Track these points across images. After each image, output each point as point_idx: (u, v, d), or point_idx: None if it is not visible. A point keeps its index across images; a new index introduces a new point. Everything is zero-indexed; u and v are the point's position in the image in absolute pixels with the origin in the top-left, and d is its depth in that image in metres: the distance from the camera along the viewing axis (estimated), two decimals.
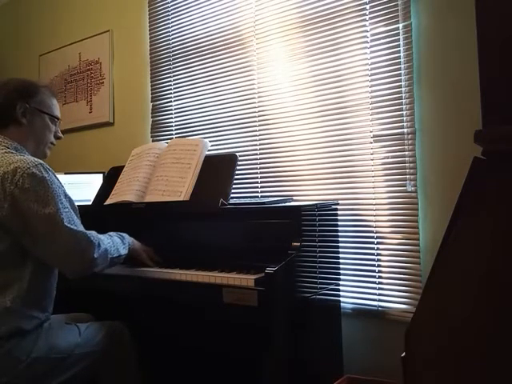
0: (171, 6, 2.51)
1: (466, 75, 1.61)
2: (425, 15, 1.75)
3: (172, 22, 2.51)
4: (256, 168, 2.17)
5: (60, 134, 1.59)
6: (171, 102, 2.51)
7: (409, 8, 1.76)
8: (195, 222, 1.78)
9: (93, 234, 1.37)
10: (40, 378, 1.31)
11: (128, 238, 1.56)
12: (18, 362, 1.27)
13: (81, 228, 1.35)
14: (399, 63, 1.78)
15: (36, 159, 1.36)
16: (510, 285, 0.84)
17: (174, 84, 2.50)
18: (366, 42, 1.86)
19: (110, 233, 1.50)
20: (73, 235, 1.30)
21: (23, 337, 1.29)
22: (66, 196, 1.37)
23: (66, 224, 1.29)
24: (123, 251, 1.48)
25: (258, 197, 2.15)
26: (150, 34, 2.62)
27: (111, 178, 2.16)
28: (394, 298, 1.79)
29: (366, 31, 1.86)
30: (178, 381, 1.79)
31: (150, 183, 1.94)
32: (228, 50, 2.27)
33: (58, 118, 1.57)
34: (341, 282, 1.84)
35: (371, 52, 1.85)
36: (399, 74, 1.79)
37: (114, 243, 1.45)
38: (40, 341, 1.32)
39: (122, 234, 1.55)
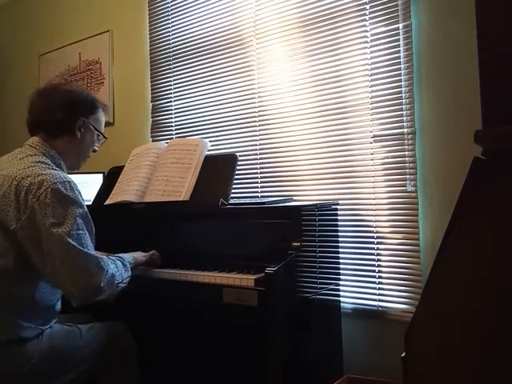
0: (171, 6, 2.51)
1: (466, 75, 1.61)
2: (425, 15, 1.75)
3: (172, 22, 2.51)
4: (256, 168, 2.17)
5: (97, 148, 1.59)
6: (171, 102, 2.51)
7: (409, 8, 1.76)
8: (195, 222, 1.78)
9: (104, 259, 1.33)
10: (41, 380, 1.31)
11: (128, 258, 1.50)
12: (20, 366, 1.27)
13: (93, 252, 1.30)
14: (399, 63, 1.78)
15: (66, 176, 1.33)
16: (509, 285, 0.84)
17: (174, 84, 2.50)
18: (366, 42, 1.86)
19: (111, 257, 1.45)
20: (83, 257, 1.26)
21: (24, 342, 1.29)
22: (87, 218, 1.33)
23: (77, 246, 1.25)
24: (126, 274, 1.43)
25: (258, 197, 2.14)
26: (150, 34, 2.62)
27: (111, 177, 2.16)
28: (394, 297, 1.79)
29: (366, 31, 1.86)
30: (178, 380, 1.79)
31: (149, 183, 1.94)
32: (228, 50, 2.27)
33: (106, 138, 1.61)
34: (341, 282, 1.84)
35: (371, 52, 1.85)
36: (399, 74, 1.79)
37: (118, 268, 1.39)
38: (41, 345, 1.32)
39: (121, 256, 1.49)
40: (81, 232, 1.28)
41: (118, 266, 1.40)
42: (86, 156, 1.56)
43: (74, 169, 1.56)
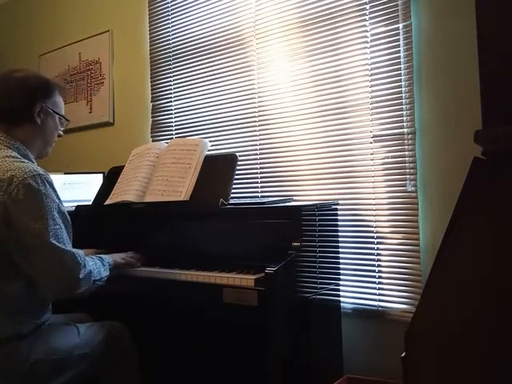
0: (171, 6, 2.51)
1: (466, 75, 1.61)
2: (425, 15, 1.75)
3: (172, 22, 2.51)
4: (256, 168, 2.17)
5: (61, 132, 1.55)
6: (171, 102, 2.51)
7: (409, 8, 1.76)
8: (195, 222, 1.78)
9: (80, 253, 1.33)
10: (40, 379, 1.31)
11: (107, 259, 1.50)
12: (18, 364, 1.27)
13: (69, 247, 1.31)
14: (399, 63, 1.78)
15: (35, 169, 1.31)
16: (509, 285, 0.84)
17: (174, 84, 2.50)
18: (366, 42, 1.86)
19: (92, 255, 1.47)
20: (59, 254, 1.27)
21: (21, 340, 1.29)
22: (60, 211, 1.32)
23: (53, 242, 1.25)
24: (104, 273, 1.44)
25: (258, 197, 2.15)
26: (150, 34, 2.62)
27: (111, 177, 2.16)
28: (394, 297, 1.79)
29: (366, 31, 1.86)
30: (178, 381, 1.79)
31: (150, 183, 1.94)
32: (228, 50, 2.27)
33: (68, 121, 1.56)
34: (341, 282, 1.84)
35: (371, 52, 1.85)
36: (399, 74, 1.79)
37: (97, 265, 1.41)
38: (39, 343, 1.31)
39: (100, 255, 1.51)
40: (57, 227, 1.28)
41: (97, 264, 1.42)
42: (52, 142, 1.52)
43: (42, 156, 1.51)
